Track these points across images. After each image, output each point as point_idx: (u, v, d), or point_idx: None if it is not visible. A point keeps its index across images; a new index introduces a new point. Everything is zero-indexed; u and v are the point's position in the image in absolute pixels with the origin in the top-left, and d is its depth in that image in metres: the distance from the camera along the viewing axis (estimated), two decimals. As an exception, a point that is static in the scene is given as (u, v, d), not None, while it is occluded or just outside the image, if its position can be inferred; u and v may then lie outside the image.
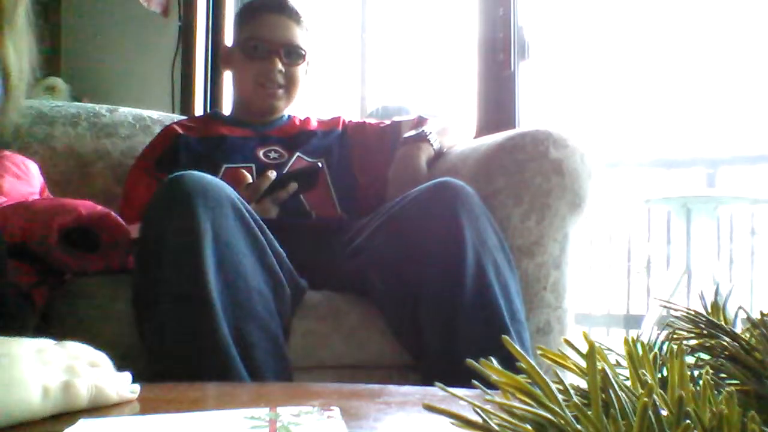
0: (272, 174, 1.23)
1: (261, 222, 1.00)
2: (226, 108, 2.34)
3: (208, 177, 0.94)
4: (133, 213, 1.26)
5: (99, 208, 1.12)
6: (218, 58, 2.29)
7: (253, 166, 1.34)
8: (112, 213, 1.13)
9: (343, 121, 1.52)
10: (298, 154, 1.39)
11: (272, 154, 1.39)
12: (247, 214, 0.96)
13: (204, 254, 0.87)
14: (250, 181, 1.24)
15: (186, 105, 2.28)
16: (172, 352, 0.89)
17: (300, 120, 1.51)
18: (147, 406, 0.58)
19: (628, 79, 3.63)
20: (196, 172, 0.94)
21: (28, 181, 1.27)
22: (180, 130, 1.42)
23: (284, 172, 1.33)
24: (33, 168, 1.33)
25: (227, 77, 2.35)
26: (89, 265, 1.09)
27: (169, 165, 1.33)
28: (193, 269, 0.87)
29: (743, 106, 3.47)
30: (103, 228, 1.10)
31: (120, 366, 1.00)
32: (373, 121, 1.57)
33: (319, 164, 1.33)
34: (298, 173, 1.31)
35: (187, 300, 0.87)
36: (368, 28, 2.68)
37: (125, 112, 1.68)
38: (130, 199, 1.35)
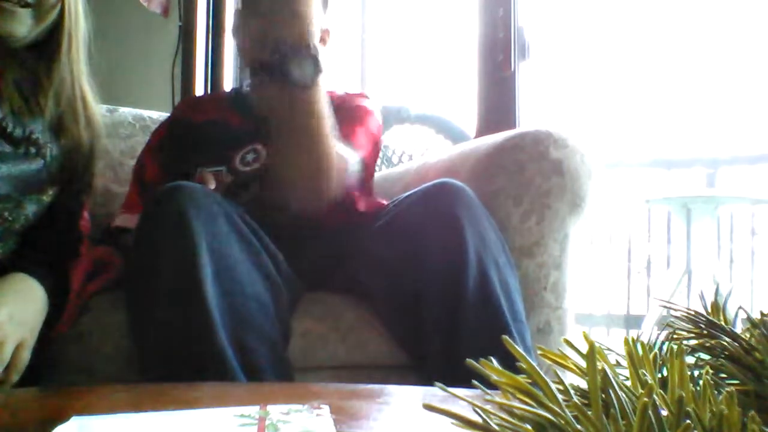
0: (227, 179, 1.17)
1: (255, 225, 0.99)
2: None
3: (198, 188, 0.94)
4: (138, 201, 1.25)
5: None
6: (218, 58, 2.30)
7: (223, 169, 1.25)
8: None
9: (348, 99, 1.37)
10: None
11: (249, 157, 1.27)
12: (239, 220, 0.95)
13: (200, 265, 0.87)
14: (212, 187, 1.16)
15: (186, 105, 2.28)
16: (171, 362, 0.89)
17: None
18: (143, 404, 0.59)
19: (628, 79, 3.63)
20: (186, 185, 0.93)
21: None
22: (185, 112, 1.39)
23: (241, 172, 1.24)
24: None
25: (227, 77, 2.35)
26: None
27: (172, 149, 1.31)
28: (190, 281, 0.87)
29: (743, 106, 3.47)
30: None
31: (121, 377, 1.00)
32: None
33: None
34: (256, 172, 1.22)
35: (186, 311, 0.87)
36: (368, 28, 2.68)
37: (125, 112, 1.68)
38: (143, 177, 1.32)
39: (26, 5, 0.91)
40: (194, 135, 1.34)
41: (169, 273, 0.89)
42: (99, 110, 1.07)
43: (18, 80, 0.94)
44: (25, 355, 0.89)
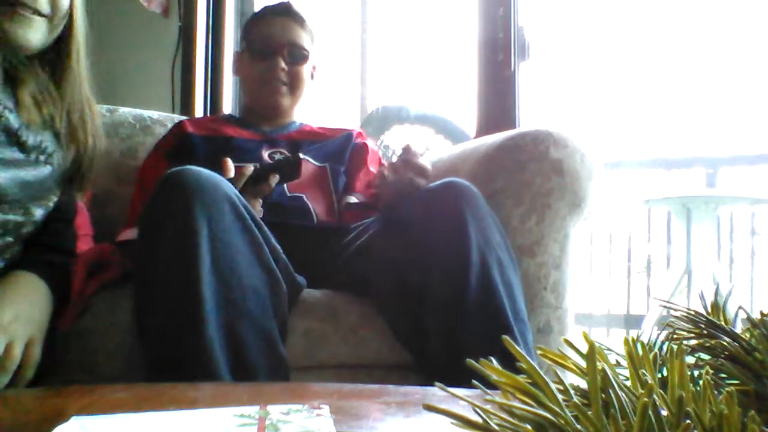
0: (249, 169, 1.18)
1: (258, 218, 0.99)
2: (227, 109, 2.35)
3: (206, 173, 0.93)
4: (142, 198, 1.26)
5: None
6: (218, 58, 2.30)
7: (258, 166, 1.33)
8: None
9: (359, 134, 1.53)
10: (302, 156, 1.39)
11: (277, 156, 1.40)
12: (244, 211, 0.95)
13: (198, 252, 0.87)
14: (231, 176, 1.20)
15: (186, 105, 2.28)
16: (158, 350, 0.89)
17: (311, 127, 1.53)
18: (143, 404, 0.59)
19: (628, 78, 3.63)
20: (194, 168, 0.93)
21: None
22: (189, 128, 1.44)
23: (263, 164, 1.30)
24: None
25: (227, 77, 2.35)
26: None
27: (178, 159, 1.34)
28: (186, 268, 0.87)
29: (743, 106, 3.47)
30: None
31: (122, 376, 1.00)
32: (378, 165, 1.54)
33: (300, 155, 1.28)
34: (277, 164, 1.27)
35: (178, 298, 0.87)
36: (368, 28, 2.68)
37: (125, 112, 1.68)
38: (145, 185, 1.34)
39: (40, 14, 0.93)
40: (212, 146, 1.39)
41: (167, 259, 0.89)
42: (99, 112, 1.08)
43: (33, 91, 0.96)
44: (36, 352, 0.90)
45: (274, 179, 1.20)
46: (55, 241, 1.04)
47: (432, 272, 0.97)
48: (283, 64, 1.42)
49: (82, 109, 1.03)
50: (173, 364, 0.87)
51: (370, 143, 1.53)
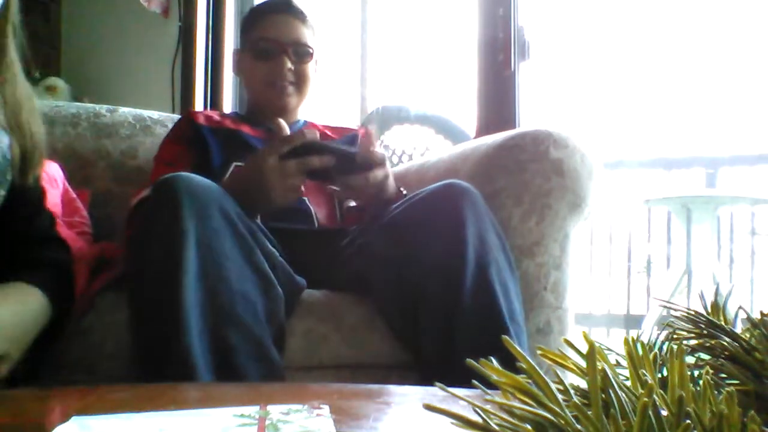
0: (314, 134, 1.04)
1: (250, 223, 0.99)
2: (227, 108, 2.35)
3: (197, 179, 0.93)
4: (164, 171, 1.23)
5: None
6: (218, 58, 2.31)
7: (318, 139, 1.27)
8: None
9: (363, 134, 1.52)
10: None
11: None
12: (235, 217, 0.95)
13: (184, 258, 0.87)
14: (285, 134, 1.06)
15: (186, 105, 2.29)
16: (144, 355, 0.90)
17: (317, 126, 1.51)
18: (143, 404, 0.59)
19: (628, 78, 3.63)
20: (186, 174, 0.93)
21: (51, 184, 1.25)
22: (198, 118, 1.41)
23: (331, 143, 1.17)
24: (54, 170, 1.30)
25: (227, 77, 2.35)
26: None
27: (193, 146, 1.34)
28: (170, 274, 0.87)
29: (743, 106, 3.47)
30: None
31: (123, 376, 1.00)
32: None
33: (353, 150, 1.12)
34: (343, 151, 1.07)
35: (161, 304, 0.87)
36: (368, 28, 2.68)
37: (125, 112, 1.68)
38: (160, 160, 1.33)
39: None
40: (220, 139, 1.37)
41: (154, 265, 0.89)
42: (34, 97, 1.02)
43: None
44: (2, 370, 0.86)
45: (328, 161, 1.03)
46: (27, 228, 1.01)
47: (428, 273, 0.97)
48: (289, 64, 1.39)
49: (17, 94, 0.96)
50: (156, 370, 0.87)
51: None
